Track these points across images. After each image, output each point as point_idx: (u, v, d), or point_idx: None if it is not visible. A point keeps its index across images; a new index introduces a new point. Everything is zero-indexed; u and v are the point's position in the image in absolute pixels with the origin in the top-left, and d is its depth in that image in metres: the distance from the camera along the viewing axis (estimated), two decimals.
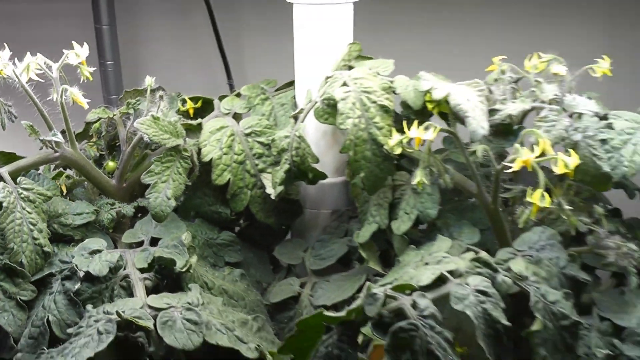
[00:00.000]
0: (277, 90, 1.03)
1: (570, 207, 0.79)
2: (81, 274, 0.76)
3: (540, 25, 1.27)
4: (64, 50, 0.87)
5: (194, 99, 0.98)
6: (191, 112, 0.98)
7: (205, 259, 0.88)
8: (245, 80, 1.33)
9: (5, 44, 0.86)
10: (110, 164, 0.94)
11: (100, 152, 0.97)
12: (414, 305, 0.61)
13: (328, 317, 0.61)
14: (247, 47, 1.42)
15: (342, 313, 0.61)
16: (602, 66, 0.88)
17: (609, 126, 0.84)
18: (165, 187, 0.85)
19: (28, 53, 0.86)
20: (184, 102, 0.97)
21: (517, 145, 0.74)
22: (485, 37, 1.29)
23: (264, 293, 0.90)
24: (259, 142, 0.92)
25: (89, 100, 0.86)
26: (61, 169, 0.95)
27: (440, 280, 0.66)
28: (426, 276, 0.65)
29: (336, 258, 0.90)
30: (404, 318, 0.60)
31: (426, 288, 0.65)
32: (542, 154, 0.72)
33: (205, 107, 1.00)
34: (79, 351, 0.65)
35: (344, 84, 0.85)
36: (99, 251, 0.78)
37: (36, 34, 1.39)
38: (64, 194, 0.91)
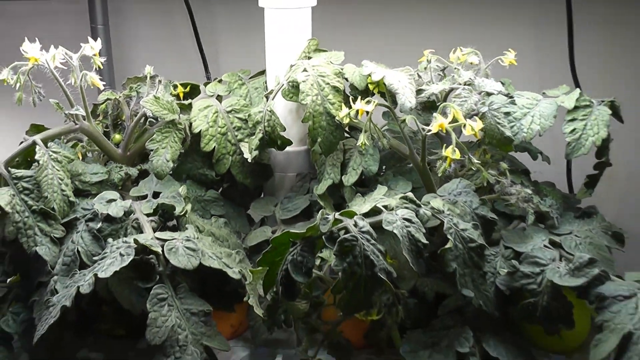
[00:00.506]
0: (251, 77, 1.22)
1: (479, 162, 0.97)
2: (101, 216, 0.95)
3: (468, 24, 1.44)
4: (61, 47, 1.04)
5: (184, 85, 1.16)
6: (181, 95, 1.16)
7: (195, 212, 1.06)
8: (219, 72, 1.45)
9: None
10: (117, 136, 1.12)
11: (105, 129, 1.16)
12: (355, 225, 0.80)
13: (293, 234, 0.80)
14: (221, 44, 1.55)
15: (303, 230, 0.80)
16: (509, 57, 1.07)
17: (513, 102, 1.03)
18: (165, 152, 1.05)
19: (52, 46, 1.03)
20: (175, 87, 1.16)
21: (436, 114, 0.93)
22: (419, 34, 1.45)
23: (243, 241, 1.09)
24: (238, 117, 1.11)
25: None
26: (75, 141, 1.16)
27: (376, 212, 0.85)
28: (365, 207, 0.85)
29: (300, 210, 1.10)
30: (347, 233, 0.79)
31: (365, 216, 0.84)
32: (455, 121, 0.92)
33: (192, 92, 1.18)
34: (107, 267, 0.85)
35: (305, 70, 1.05)
36: (114, 200, 0.97)
37: (35, 32, 1.55)
38: (80, 159, 1.11)
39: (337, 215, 0.81)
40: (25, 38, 1.02)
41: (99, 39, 1.06)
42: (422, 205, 0.89)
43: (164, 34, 1.57)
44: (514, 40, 1.33)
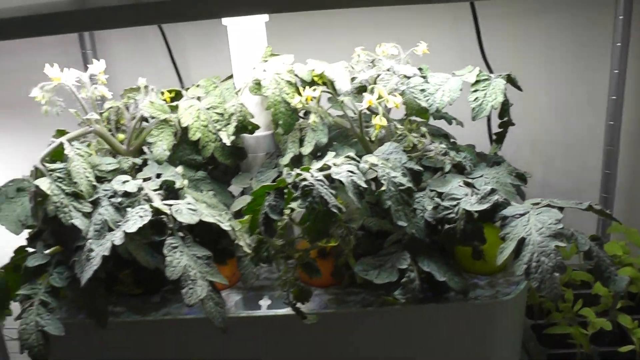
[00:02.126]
0: (222, 81, 1.42)
1: (403, 128, 1.22)
2: (120, 193, 1.18)
3: (393, 25, 1.64)
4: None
5: (170, 91, 1.37)
6: (168, 99, 1.36)
7: (188, 189, 1.33)
8: (190, 82, 1.70)
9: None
10: (121, 136, 1.34)
11: (109, 131, 1.40)
12: (312, 176, 1.03)
13: (268, 186, 1.06)
14: (190, 58, 1.73)
15: (275, 183, 1.07)
16: (422, 47, 1.29)
17: (427, 81, 1.28)
18: (161, 144, 1.29)
19: (67, 69, 1.27)
20: (162, 93, 1.38)
21: (366, 94, 1.18)
22: (351, 36, 1.56)
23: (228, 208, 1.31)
24: (215, 112, 1.32)
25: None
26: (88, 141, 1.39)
27: (327, 167, 1.07)
28: (318, 165, 1.10)
29: (271, 180, 1.29)
30: (306, 181, 1.03)
31: (319, 170, 1.08)
32: (380, 97, 1.17)
33: (176, 96, 1.38)
34: (132, 225, 1.09)
35: (264, 70, 1.28)
36: (127, 181, 1.20)
37: (32, 61, 1.69)
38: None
39: (297, 170, 1.08)
40: (46, 64, 1.26)
41: (102, 60, 1.32)
42: (361, 162, 1.13)
43: (141, 53, 1.75)
44: (433, 35, 1.60)
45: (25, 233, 1.31)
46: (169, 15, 1.16)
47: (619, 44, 1.49)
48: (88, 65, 1.55)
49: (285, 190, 1.08)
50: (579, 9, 1.63)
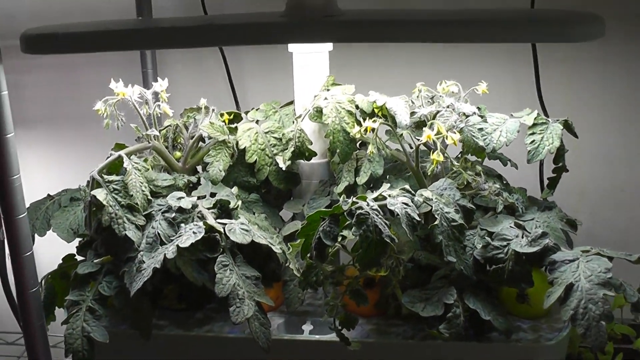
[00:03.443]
0: (281, 107, 1.44)
1: (459, 165, 1.23)
2: (174, 208, 1.21)
3: (454, 62, 1.64)
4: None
5: (229, 113, 1.40)
6: (226, 121, 1.38)
7: (241, 210, 1.31)
8: (245, 107, 1.72)
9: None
10: (177, 153, 1.37)
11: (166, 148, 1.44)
12: (367, 205, 1.07)
13: (323, 212, 1.08)
14: (248, 84, 1.76)
15: (331, 210, 1.09)
16: (482, 87, 1.30)
17: (485, 120, 1.29)
18: (218, 164, 1.31)
19: (130, 85, 1.32)
20: (222, 115, 1.41)
21: (425, 129, 1.20)
22: (413, 71, 1.65)
23: (279, 232, 1.33)
24: (273, 136, 1.34)
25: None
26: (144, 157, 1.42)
27: (383, 198, 1.10)
28: (374, 195, 1.12)
29: (323, 207, 1.29)
30: (361, 209, 1.05)
31: (374, 200, 1.10)
32: (439, 133, 1.18)
33: (234, 118, 1.42)
34: (185, 240, 1.11)
35: (325, 99, 1.29)
36: (182, 197, 1.23)
37: (94, 78, 1.72)
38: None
39: (354, 199, 1.10)
40: (113, 80, 1.30)
41: (166, 79, 1.36)
42: (416, 195, 1.15)
43: (200, 75, 1.78)
44: (492, 75, 1.58)
45: (71, 242, 1.35)
46: (237, 38, 1.18)
47: None
48: (148, 84, 1.64)
49: (340, 217, 1.09)
50: (637, 58, 1.62)
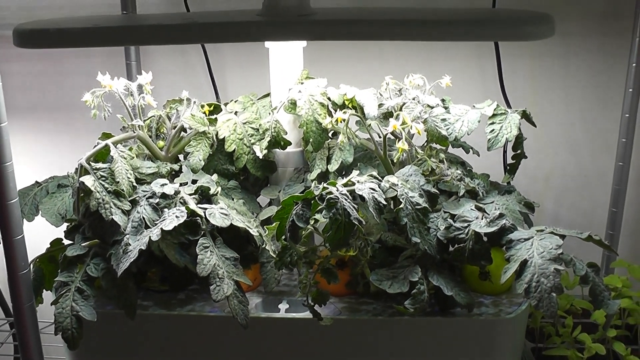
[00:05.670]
0: (258, 99, 1.49)
1: (423, 153, 1.31)
2: (158, 194, 1.26)
3: (420, 57, 1.72)
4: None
5: (209, 105, 1.43)
6: (207, 112, 1.41)
7: (221, 196, 1.38)
8: (226, 99, 1.75)
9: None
10: (160, 142, 1.43)
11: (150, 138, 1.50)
12: (337, 190, 1.14)
13: (296, 197, 1.16)
14: (228, 76, 1.80)
15: (303, 195, 1.16)
16: (445, 80, 1.37)
17: (448, 112, 1.37)
18: (198, 154, 1.38)
19: (116, 77, 1.37)
20: (202, 107, 1.46)
21: (392, 119, 1.28)
22: (382, 65, 1.73)
23: (256, 217, 1.39)
24: (251, 127, 1.40)
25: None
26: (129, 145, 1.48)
27: (352, 184, 1.18)
28: (343, 181, 1.19)
29: (298, 193, 1.34)
30: (331, 194, 1.13)
31: (343, 185, 1.18)
32: (404, 123, 1.26)
33: (214, 110, 1.46)
34: (168, 224, 1.18)
35: (299, 92, 1.33)
36: (166, 184, 1.29)
37: (80, 68, 1.84)
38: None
39: (324, 184, 1.18)
40: (100, 73, 1.36)
41: (150, 72, 1.43)
42: (382, 181, 1.23)
43: (182, 68, 1.81)
44: (457, 69, 1.69)
45: (58, 228, 1.42)
46: (217, 36, 1.25)
47: (630, 90, 1.58)
48: (132, 75, 1.71)
49: (312, 202, 1.17)
50: (597, 54, 1.71)
